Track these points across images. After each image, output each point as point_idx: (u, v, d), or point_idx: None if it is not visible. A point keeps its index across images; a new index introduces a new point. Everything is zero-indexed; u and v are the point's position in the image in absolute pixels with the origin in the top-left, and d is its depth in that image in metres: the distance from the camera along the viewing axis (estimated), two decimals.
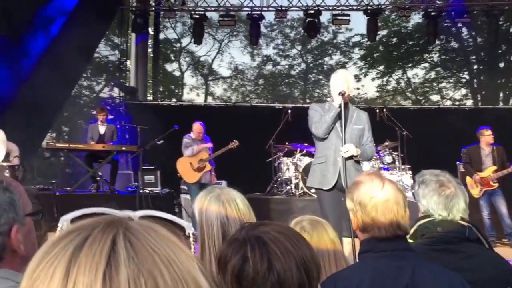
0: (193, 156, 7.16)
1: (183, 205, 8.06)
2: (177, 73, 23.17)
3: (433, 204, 1.95)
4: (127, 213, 0.62)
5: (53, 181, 8.07)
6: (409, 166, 8.55)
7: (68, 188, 8.30)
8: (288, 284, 1.03)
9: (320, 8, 11.17)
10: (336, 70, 4.50)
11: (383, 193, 1.62)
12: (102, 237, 0.50)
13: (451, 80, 21.22)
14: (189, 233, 0.63)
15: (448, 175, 2.02)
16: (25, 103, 8.81)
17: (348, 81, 4.06)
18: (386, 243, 1.61)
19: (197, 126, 7.25)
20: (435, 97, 21.20)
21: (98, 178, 8.44)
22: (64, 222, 0.64)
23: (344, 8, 11.25)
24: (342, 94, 3.93)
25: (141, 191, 7.72)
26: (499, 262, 1.96)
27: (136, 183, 8.79)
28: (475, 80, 20.31)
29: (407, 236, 1.84)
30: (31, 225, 1.27)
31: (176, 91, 23.36)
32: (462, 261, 1.86)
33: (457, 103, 19.82)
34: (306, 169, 8.03)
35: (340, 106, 3.95)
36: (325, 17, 11.86)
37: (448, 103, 20.19)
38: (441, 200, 1.94)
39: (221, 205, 1.66)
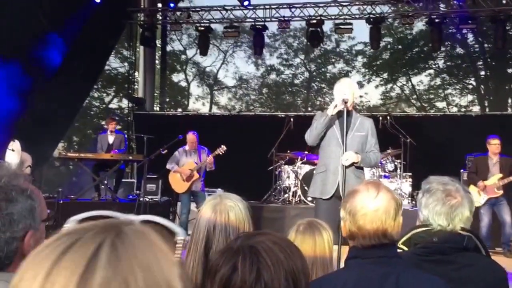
0: (183, 167, 7.42)
1: (178, 213, 8.22)
2: (183, 84, 23.45)
3: (435, 214, 1.88)
4: (129, 217, 0.66)
5: (59, 190, 8.27)
6: (410, 174, 8.53)
7: (71, 196, 8.51)
8: None
9: (323, 18, 11.27)
10: (340, 78, 4.52)
11: (375, 202, 1.61)
12: (89, 241, 0.53)
13: (457, 87, 21.06)
14: (176, 239, 0.68)
15: (458, 184, 1.95)
16: (39, 115, 9.09)
17: (352, 88, 4.08)
18: (373, 250, 1.60)
19: (190, 136, 7.48)
20: (440, 104, 21.09)
21: (102, 187, 8.63)
22: (72, 222, 0.68)
23: (347, 17, 11.33)
24: (345, 102, 3.93)
25: (141, 199, 7.90)
26: (494, 270, 1.91)
27: (138, 191, 8.98)
28: (482, 86, 20.17)
29: (399, 243, 1.89)
30: (43, 231, 1.31)
31: (182, 101, 23.60)
32: (455, 272, 1.82)
33: (463, 109, 19.69)
34: (306, 177, 8.12)
35: (341, 114, 3.95)
36: (327, 26, 11.95)
37: (454, 109, 20.08)
38: (444, 210, 1.87)
39: (213, 213, 1.68)
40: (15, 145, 7.29)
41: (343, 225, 1.70)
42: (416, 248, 1.93)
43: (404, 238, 1.98)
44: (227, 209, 1.69)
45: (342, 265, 2.90)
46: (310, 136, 4.09)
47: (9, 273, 1.20)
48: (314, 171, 4.34)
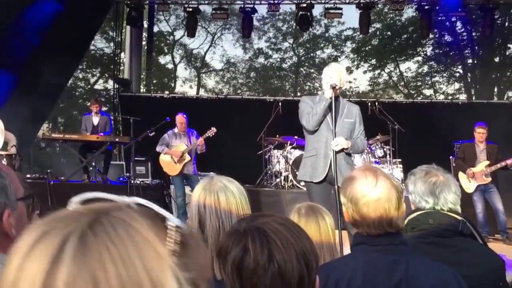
0: (173, 149, 7.33)
1: (173, 196, 8.14)
2: (170, 66, 23.20)
3: (419, 190, 1.94)
4: (126, 200, 0.60)
5: (48, 171, 8.12)
6: (400, 160, 8.59)
7: (62, 178, 8.37)
8: (289, 276, 1.03)
9: (313, 2, 11.16)
10: (329, 63, 4.49)
11: (376, 191, 1.60)
12: (57, 233, 0.50)
13: (445, 75, 21.25)
14: (168, 225, 0.59)
15: (437, 167, 2.01)
16: (23, 94, 8.87)
17: (340, 74, 4.05)
18: (379, 238, 1.60)
19: (179, 117, 7.40)
20: (428, 91, 21.28)
21: (91, 168, 8.50)
22: (73, 204, 0.63)
23: (337, 1, 11.24)
24: (333, 87, 3.92)
25: (132, 181, 7.79)
26: (492, 257, 1.94)
27: (128, 174, 8.87)
28: (469, 75, 20.33)
29: None
30: (22, 209, 1.29)
31: (169, 83, 23.38)
32: (452, 255, 1.84)
33: (450, 97, 19.86)
34: (296, 162, 8.09)
35: (331, 97, 3.93)
36: (317, 10, 11.87)
37: (441, 97, 20.23)
38: (427, 186, 1.92)
39: (202, 193, 1.70)
40: None
41: (345, 211, 1.68)
42: (414, 231, 1.95)
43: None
44: (216, 190, 1.69)
45: (345, 250, 2.89)
46: (312, 122, 4.05)
47: None
48: (303, 155, 4.33)
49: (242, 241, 1.06)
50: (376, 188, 1.60)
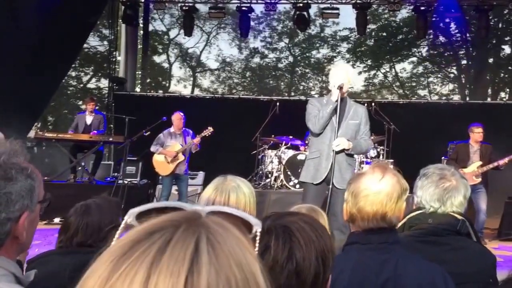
0: (167, 149, 7.26)
1: (157, 196, 8.09)
2: (165, 65, 23.07)
3: (428, 196, 1.94)
4: (196, 208, 0.59)
5: None
6: (392, 160, 8.55)
7: (45, 178, 8.23)
8: (305, 274, 1.05)
9: (309, 2, 11.15)
10: (336, 64, 4.49)
11: (379, 185, 1.61)
12: (185, 240, 0.49)
13: (439, 75, 21.34)
14: (256, 231, 0.61)
15: (454, 169, 2.01)
16: (14, 93, 8.75)
17: (347, 74, 4.08)
18: (373, 235, 1.60)
19: (176, 115, 7.34)
20: (422, 92, 21.34)
21: (79, 168, 8.40)
22: (131, 215, 0.61)
23: (333, 1, 11.22)
24: (340, 87, 3.94)
25: (120, 181, 7.68)
26: (484, 255, 1.98)
27: (115, 174, 8.76)
28: (463, 75, 20.44)
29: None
30: (38, 212, 1.26)
31: (164, 82, 23.25)
32: (447, 253, 1.87)
33: (444, 98, 19.94)
34: (289, 162, 8.08)
35: (337, 100, 3.95)
36: (312, 10, 11.83)
37: (435, 98, 20.32)
38: (437, 191, 1.92)
39: (214, 192, 1.72)
40: None
41: (345, 208, 1.69)
42: (411, 230, 1.96)
43: (399, 224, 1.97)
44: (228, 189, 1.72)
45: None
46: (318, 125, 4.05)
47: (0, 258, 1.15)
48: (307, 157, 4.35)
49: (265, 239, 1.06)
50: (380, 183, 1.61)
